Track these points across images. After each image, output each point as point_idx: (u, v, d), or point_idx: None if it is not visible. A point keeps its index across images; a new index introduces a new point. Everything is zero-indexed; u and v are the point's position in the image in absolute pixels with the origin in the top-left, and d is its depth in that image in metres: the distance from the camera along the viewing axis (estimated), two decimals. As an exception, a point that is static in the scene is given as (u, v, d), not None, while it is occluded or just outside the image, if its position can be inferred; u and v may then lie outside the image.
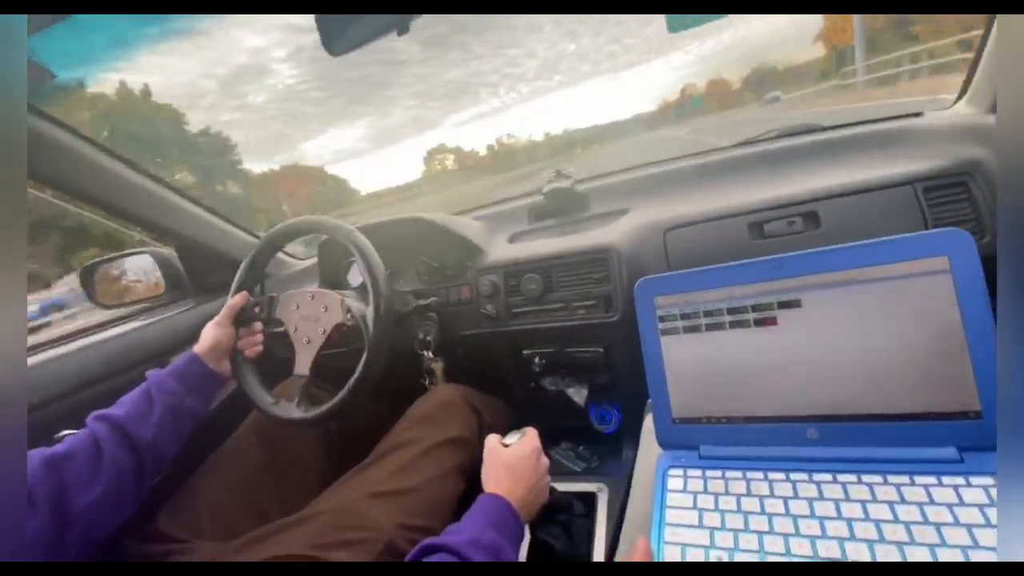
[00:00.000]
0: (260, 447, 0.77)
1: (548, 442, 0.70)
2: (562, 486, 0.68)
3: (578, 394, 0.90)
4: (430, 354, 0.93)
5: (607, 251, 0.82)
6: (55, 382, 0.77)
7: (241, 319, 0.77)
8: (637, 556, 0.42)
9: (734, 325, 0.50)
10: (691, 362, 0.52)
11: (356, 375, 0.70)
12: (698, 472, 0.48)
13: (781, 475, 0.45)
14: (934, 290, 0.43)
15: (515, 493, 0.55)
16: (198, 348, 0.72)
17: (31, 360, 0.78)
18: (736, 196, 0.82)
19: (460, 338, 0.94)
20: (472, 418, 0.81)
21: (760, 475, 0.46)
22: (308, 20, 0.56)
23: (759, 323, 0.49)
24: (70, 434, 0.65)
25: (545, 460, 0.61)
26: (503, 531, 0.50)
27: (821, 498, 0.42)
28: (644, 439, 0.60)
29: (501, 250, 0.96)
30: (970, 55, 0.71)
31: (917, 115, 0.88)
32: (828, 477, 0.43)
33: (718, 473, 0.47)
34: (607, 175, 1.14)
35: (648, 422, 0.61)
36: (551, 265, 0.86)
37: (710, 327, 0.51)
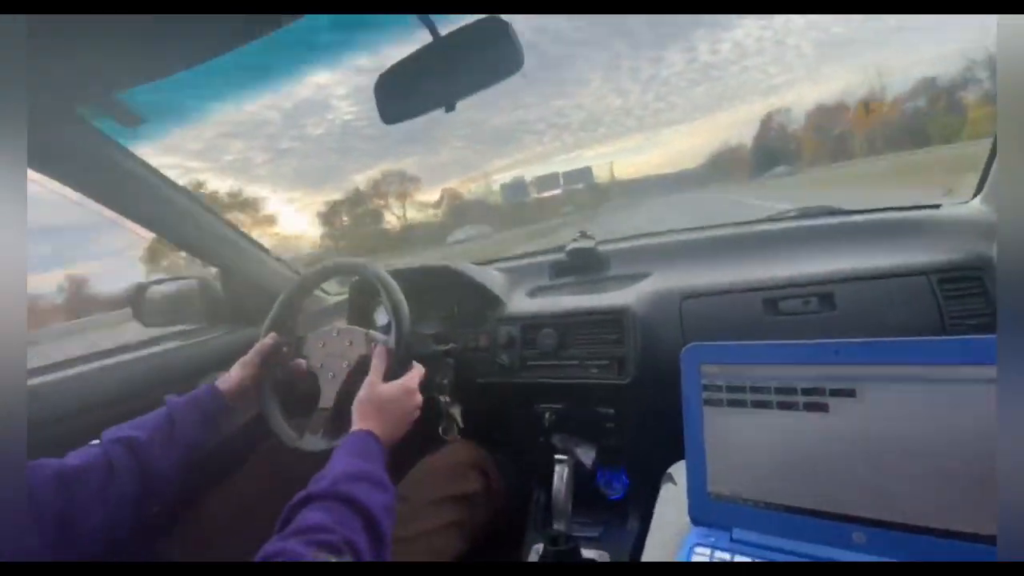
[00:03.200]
0: (271, 480, 0.79)
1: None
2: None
3: (586, 455, 0.89)
4: (446, 398, 0.95)
5: (622, 313, 0.84)
6: (85, 395, 0.81)
7: (270, 359, 0.79)
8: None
9: (782, 406, 0.48)
10: (733, 437, 0.50)
11: None
12: (727, 556, 0.47)
13: (820, 576, 0.42)
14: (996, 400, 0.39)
15: (380, 428, 0.62)
16: (222, 383, 0.74)
17: (68, 372, 0.84)
18: (754, 271, 0.85)
19: (475, 385, 0.96)
20: (479, 480, 0.81)
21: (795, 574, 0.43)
22: (369, 61, 0.63)
23: (809, 407, 0.47)
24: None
25: (417, 399, 0.69)
26: (369, 457, 0.57)
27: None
28: (661, 511, 0.58)
29: (521, 303, 0.99)
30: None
31: (935, 207, 0.90)
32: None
33: (748, 560, 0.46)
34: (630, 238, 1.18)
35: (666, 492, 0.60)
36: (568, 322, 0.89)
37: (756, 404, 0.49)
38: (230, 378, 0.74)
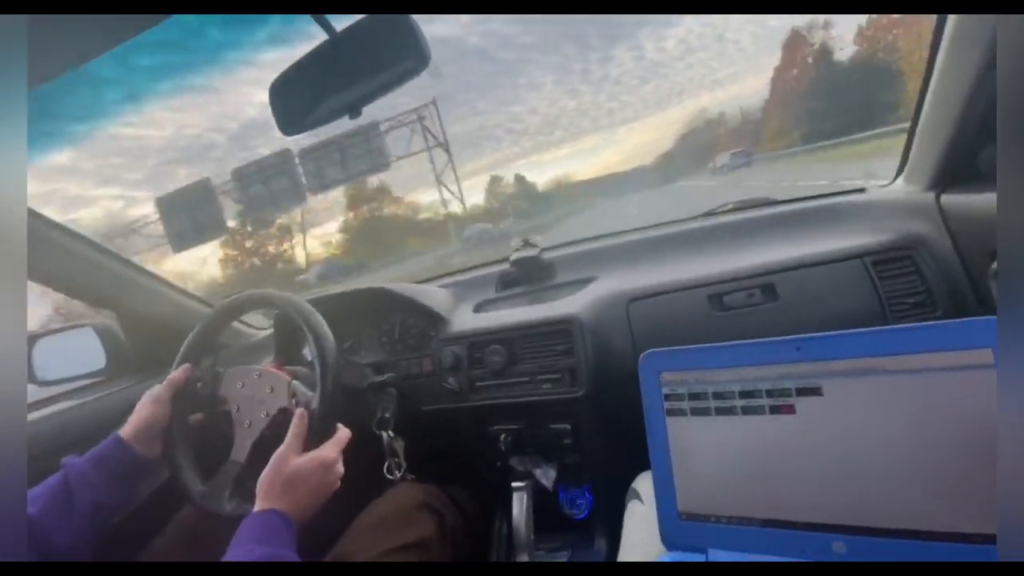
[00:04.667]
0: (191, 547, 0.69)
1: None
2: None
3: (546, 476, 0.84)
4: (390, 433, 0.87)
5: (570, 322, 0.80)
6: None
7: (182, 395, 0.71)
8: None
9: (747, 411, 0.45)
10: (700, 449, 0.47)
11: None
12: None
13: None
14: (973, 387, 0.37)
15: (289, 506, 0.55)
16: (126, 430, 0.65)
17: None
18: (697, 268, 0.83)
19: (422, 414, 0.89)
20: (431, 521, 0.73)
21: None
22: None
23: (775, 410, 0.44)
24: None
25: (337, 472, 0.61)
26: (272, 541, 0.50)
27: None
28: (628, 530, 0.55)
29: (465, 320, 0.93)
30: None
31: (860, 191, 0.92)
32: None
33: None
34: (574, 243, 1.15)
35: (632, 510, 0.56)
36: (515, 336, 0.84)
37: (720, 411, 0.46)
38: (137, 420, 0.66)
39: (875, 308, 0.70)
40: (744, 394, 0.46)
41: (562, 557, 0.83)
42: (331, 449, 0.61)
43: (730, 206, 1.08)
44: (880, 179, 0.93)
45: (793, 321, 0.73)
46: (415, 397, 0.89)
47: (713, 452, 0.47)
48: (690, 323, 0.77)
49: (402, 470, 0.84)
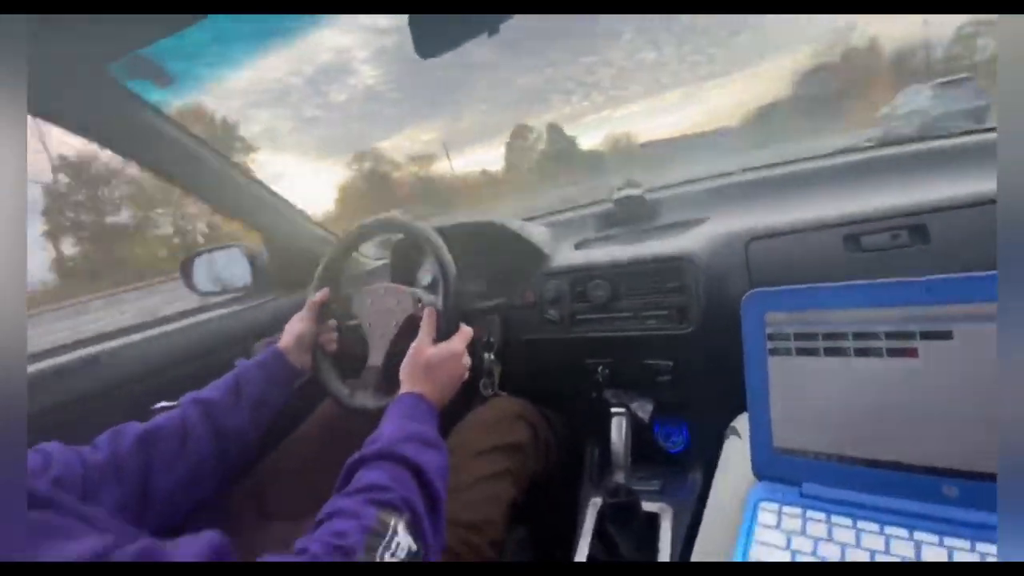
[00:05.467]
0: (326, 437, 0.81)
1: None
2: None
3: (642, 409, 0.86)
4: (491, 356, 0.93)
5: (683, 260, 0.78)
6: (148, 360, 0.85)
7: (322, 315, 0.80)
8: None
9: (861, 352, 0.43)
10: (802, 387, 0.45)
11: None
12: (797, 511, 0.43)
13: (903, 531, 0.39)
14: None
15: (428, 390, 0.61)
16: (283, 343, 0.75)
17: (139, 336, 0.87)
18: (831, 207, 0.76)
19: (523, 342, 0.93)
20: (526, 430, 0.79)
21: (875, 527, 0.40)
22: (389, 21, 0.58)
23: (894, 353, 0.41)
24: (165, 407, 0.70)
25: (466, 361, 0.68)
26: (419, 418, 0.57)
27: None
28: (725, 465, 0.55)
29: (567, 256, 0.94)
30: None
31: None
32: (964, 544, 0.37)
33: (821, 516, 0.42)
34: (682, 184, 1.10)
35: (729, 446, 0.56)
36: (621, 272, 0.84)
37: (830, 351, 0.44)
38: (289, 335, 0.76)
39: None
40: (859, 335, 0.43)
41: (654, 486, 0.86)
42: (459, 342, 0.68)
43: (872, 142, 0.95)
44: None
45: (946, 267, 0.64)
46: (518, 326, 0.93)
47: (818, 391, 0.44)
48: (821, 266, 0.71)
49: (494, 388, 0.90)
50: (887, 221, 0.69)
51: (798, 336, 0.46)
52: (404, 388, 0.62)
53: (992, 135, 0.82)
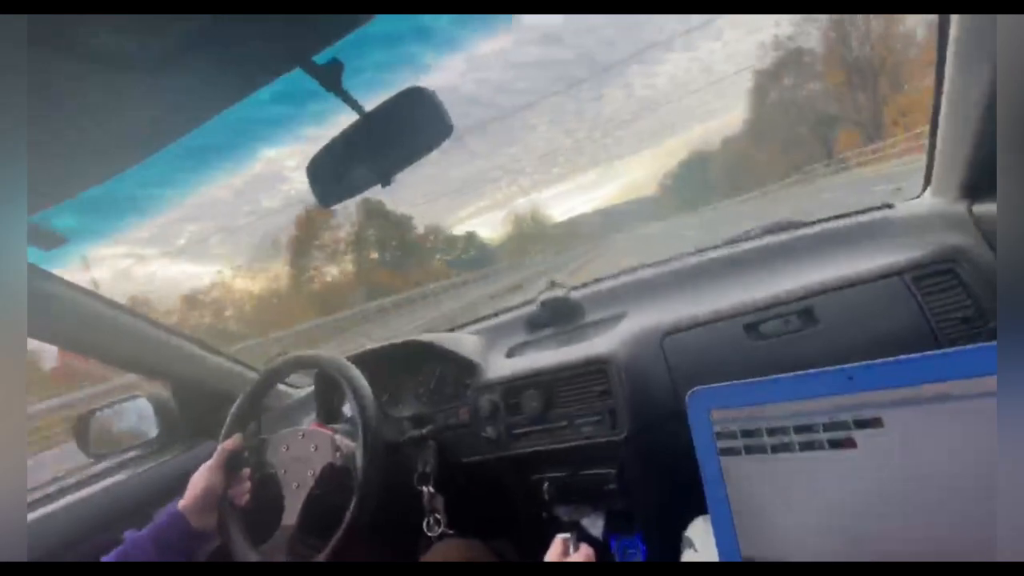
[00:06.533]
0: None
1: None
2: None
3: (594, 525, 0.81)
4: (430, 488, 0.86)
5: (605, 361, 0.79)
6: (35, 543, 0.71)
7: (232, 464, 0.73)
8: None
9: (804, 447, 0.43)
10: (758, 490, 0.45)
11: (346, 521, 0.65)
12: None
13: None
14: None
15: None
16: (184, 503, 0.68)
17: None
18: (729, 297, 0.82)
19: (462, 466, 0.88)
20: None
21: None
22: (318, 132, 0.60)
23: (834, 444, 0.42)
24: None
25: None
26: None
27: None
28: None
29: (499, 366, 0.94)
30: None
31: (889, 207, 0.91)
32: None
33: None
34: (600, 280, 1.16)
35: (687, 559, 0.53)
36: (550, 380, 0.84)
37: (777, 448, 0.44)
38: (193, 492, 0.69)
39: (922, 327, 0.67)
40: (800, 429, 0.43)
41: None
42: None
43: (756, 231, 1.07)
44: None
45: (835, 346, 0.70)
46: (454, 449, 0.88)
47: (773, 493, 0.44)
48: (728, 355, 0.75)
49: (441, 526, 0.82)
50: (777, 308, 0.75)
51: (744, 433, 0.46)
52: None
53: (856, 219, 0.94)
